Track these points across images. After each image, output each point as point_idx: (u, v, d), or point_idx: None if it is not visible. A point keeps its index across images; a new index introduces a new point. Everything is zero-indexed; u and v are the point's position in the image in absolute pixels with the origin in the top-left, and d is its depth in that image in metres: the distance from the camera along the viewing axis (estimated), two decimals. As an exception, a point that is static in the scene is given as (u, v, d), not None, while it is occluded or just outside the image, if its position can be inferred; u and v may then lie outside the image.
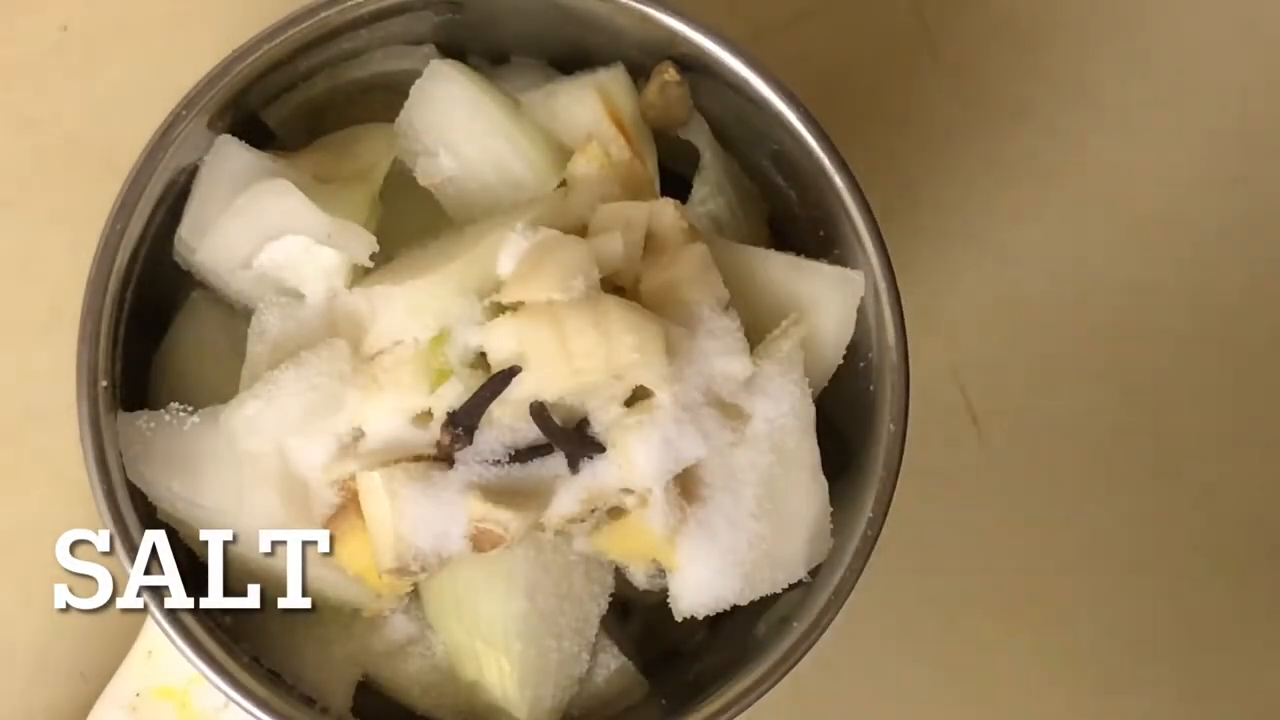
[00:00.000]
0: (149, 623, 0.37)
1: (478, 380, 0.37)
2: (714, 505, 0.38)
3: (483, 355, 0.38)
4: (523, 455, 0.38)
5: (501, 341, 0.37)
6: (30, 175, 0.50)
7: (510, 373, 0.37)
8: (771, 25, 0.52)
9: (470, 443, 0.37)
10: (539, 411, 0.37)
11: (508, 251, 0.38)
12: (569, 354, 0.36)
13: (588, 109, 0.41)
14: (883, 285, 0.40)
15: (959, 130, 0.52)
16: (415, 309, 0.38)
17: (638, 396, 0.38)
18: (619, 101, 0.41)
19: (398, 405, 0.38)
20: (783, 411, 0.39)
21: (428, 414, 0.38)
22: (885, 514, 0.40)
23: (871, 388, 0.41)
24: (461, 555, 0.38)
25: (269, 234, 0.39)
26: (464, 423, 0.37)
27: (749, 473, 0.39)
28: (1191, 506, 0.53)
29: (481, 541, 0.37)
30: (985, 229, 0.52)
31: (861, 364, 0.41)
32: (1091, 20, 0.53)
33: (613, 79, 0.42)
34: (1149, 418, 0.53)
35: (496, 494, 0.37)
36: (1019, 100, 0.53)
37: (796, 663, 0.39)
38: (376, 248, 0.39)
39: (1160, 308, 0.53)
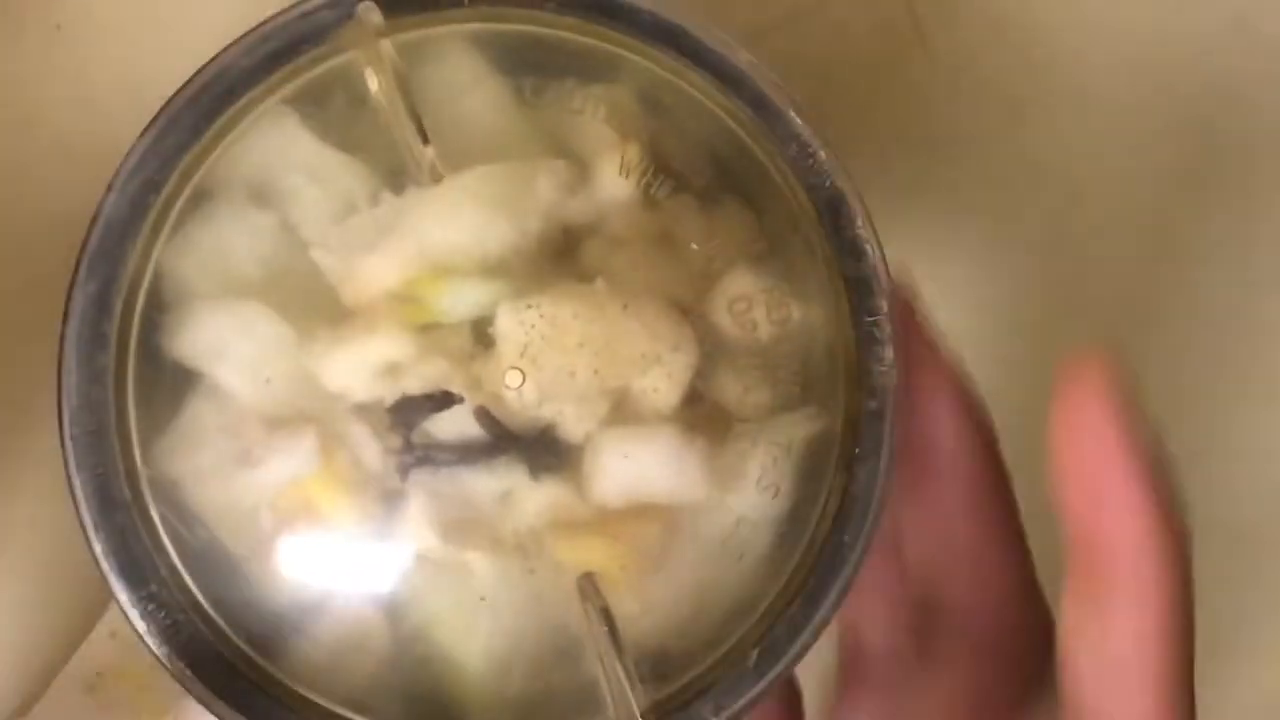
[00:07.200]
0: (113, 604, 0.37)
1: (459, 338, 0.37)
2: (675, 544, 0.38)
3: (483, 322, 0.37)
4: (475, 454, 0.37)
5: (515, 330, 0.37)
6: (23, 176, 0.50)
7: (449, 400, 0.37)
8: (765, 26, 0.51)
9: (414, 453, 0.37)
10: (484, 415, 0.37)
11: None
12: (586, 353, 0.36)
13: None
14: (877, 286, 0.39)
15: (954, 131, 0.52)
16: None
17: (622, 413, 0.37)
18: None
19: (364, 352, 0.37)
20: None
21: (392, 371, 0.37)
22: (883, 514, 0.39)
23: (868, 389, 0.40)
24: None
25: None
26: (406, 419, 0.37)
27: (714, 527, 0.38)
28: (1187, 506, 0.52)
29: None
30: (981, 230, 0.52)
31: (858, 365, 0.40)
32: (1087, 20, 0.53)
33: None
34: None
35: (451, 527, 0.37)
36: (1014, 101, 0.52)
37: (795, 663, 0.39)
38: None
39: (1155, 308, 0.53)
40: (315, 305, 0.38)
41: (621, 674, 0.37)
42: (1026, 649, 0.39)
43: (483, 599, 0.38)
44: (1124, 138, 0.52)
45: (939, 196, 0.52)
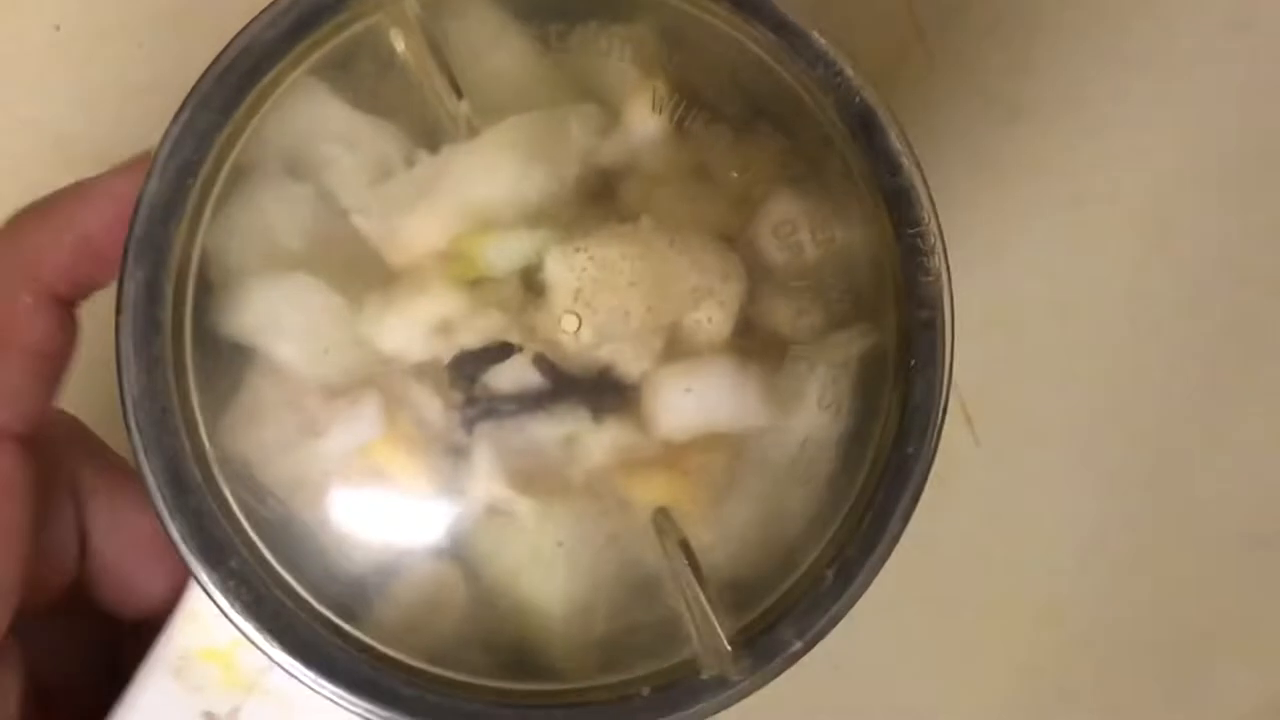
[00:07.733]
0: (193, 584, 0.37)
1: (510, 289, 0.37)
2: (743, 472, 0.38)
3: (531, 270, 0.37)
4: (537, 401, 0.37)
5: (566, 276, 0.37)
6: (23, 176, 0.50)
7: (507, 350, 0.37)
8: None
9: (477, 406, 0.37)
10: (543, 362, 0.37)
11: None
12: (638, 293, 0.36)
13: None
14: (876, 286, 0.39)
15: (952, 131, 0.52)
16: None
17: (678, 348, 0.38)
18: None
19: (416, 312, 0.37)
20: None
21: (446, 328, 0.37)
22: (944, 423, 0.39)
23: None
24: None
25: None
26: (466, 373, 0.37)
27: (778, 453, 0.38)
28: (1186, 507, 0.52)
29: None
30: (979, 229, 0.52)
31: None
32: (1086, 21, 0.53)
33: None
34: (1144, 418, 0.53)
35: (520, 476, 0.37)
36: (1013, 101, 0.52)
37: (871, 579, 0.39)
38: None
39: (1155, 308, 0.53)
40: (362, 271, 0.38)
41: (705, 605, 0.38)
42: None
43: (559, 544, 0.38)
44: (1124, 137, 0.52)
45: (937, 196, 0.51)
